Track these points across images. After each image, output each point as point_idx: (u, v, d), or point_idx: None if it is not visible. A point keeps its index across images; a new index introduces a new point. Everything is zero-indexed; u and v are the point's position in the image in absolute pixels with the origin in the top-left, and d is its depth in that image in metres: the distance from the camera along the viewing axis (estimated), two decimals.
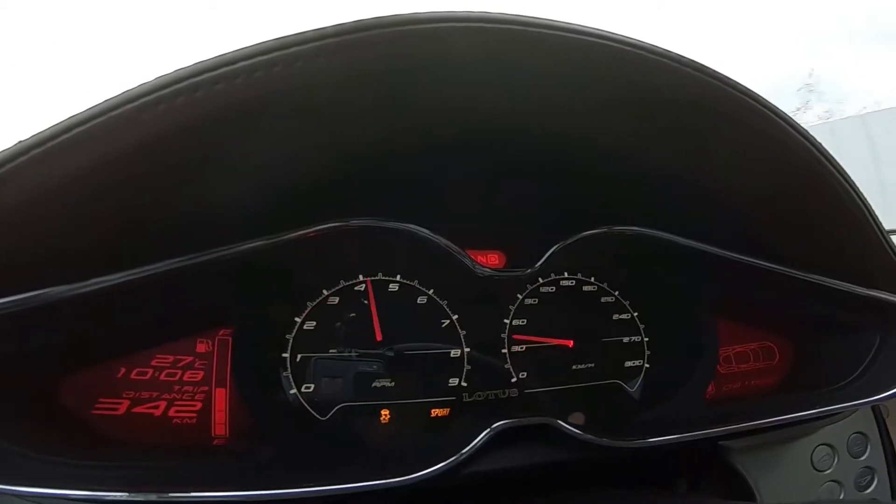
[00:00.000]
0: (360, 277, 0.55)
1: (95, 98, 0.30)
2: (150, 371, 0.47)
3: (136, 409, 0.45)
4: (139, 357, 0.47)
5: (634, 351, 0.62)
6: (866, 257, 0.49)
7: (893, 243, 0.48)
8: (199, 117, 0.31)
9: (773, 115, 0.40)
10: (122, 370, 0.46)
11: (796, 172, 0.43)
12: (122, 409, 0.45)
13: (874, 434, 0.59)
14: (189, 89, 0.30)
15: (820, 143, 0.42)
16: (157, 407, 0.46)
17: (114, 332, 0.43)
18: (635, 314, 0.63)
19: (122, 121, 0.30)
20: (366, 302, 0.55)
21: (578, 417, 0.44)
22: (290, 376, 0.51)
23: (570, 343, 0.59)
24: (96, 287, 0.36)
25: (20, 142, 0.30)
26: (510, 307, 0.59)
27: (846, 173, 0.43)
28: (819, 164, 0.42)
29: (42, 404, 0.41)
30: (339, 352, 0.53)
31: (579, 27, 0.34)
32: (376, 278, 0.56)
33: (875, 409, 0.60)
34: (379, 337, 0.54)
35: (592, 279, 0.63)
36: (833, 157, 0.42)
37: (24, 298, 0.33)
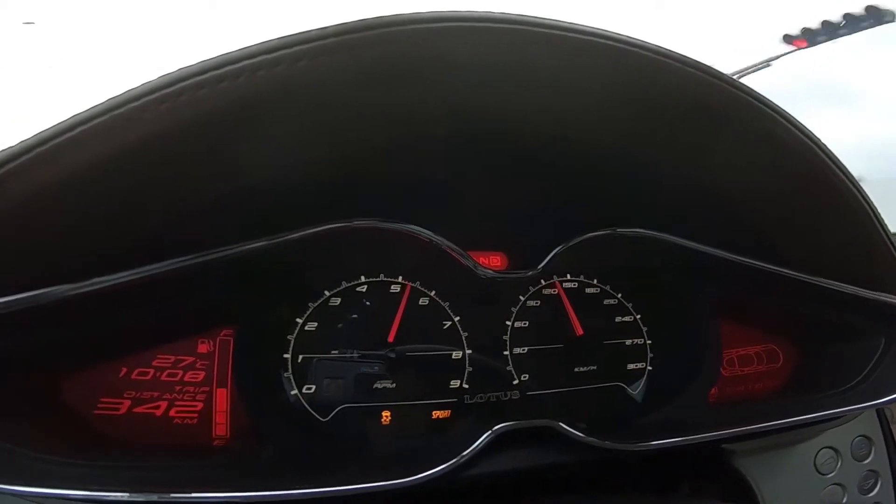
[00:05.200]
0: (363, 279, 0.55)
1: (97, 98, 0.30)
2: (152, 371, 0.47)
3: (138, 410, 0.45)
4: (140, 357, 0.47)
5: (637, 353, 0.62)
6: (871, 260, 0.49)
7: None
8: (203, 116, 0.31)
9: (777, 116, 0.40)
10: (124, 370, 0.46)
11: (800, 173, 0.43)
12: (123, 409, 0.45)
13: (878, 437, 0.58)
14: (192, 87, 0.30)
15: (825, 144, 0.42)
16: (158, 407, 0.46)
17: (115, 332, 0.43)
18: (638, 316, 0.63)
19: (125, 119, 0.30)
20: (368, 303, 0.55)
21: (582, 427, 0.44)
22: (292, 377, 0.51)
23: (580, 331, 0.59)
24: (98, 287, 0.35)
25: (23, 140, 0.30)
26: (512, 309, 0.59)
27: (851, 174, 0.43)
28: (823, 166, 0.42)
29: (44, 404, 0.41)
30: (340, 353, 0.53)
31: (582, 27, 0.34)
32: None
33: (880, 412, 0.59)
34: (391, 338, 0.54)
35: (595, 281, 0.63)
36: (838, 158, 0.42)
37: (26, 298, 0.33)
